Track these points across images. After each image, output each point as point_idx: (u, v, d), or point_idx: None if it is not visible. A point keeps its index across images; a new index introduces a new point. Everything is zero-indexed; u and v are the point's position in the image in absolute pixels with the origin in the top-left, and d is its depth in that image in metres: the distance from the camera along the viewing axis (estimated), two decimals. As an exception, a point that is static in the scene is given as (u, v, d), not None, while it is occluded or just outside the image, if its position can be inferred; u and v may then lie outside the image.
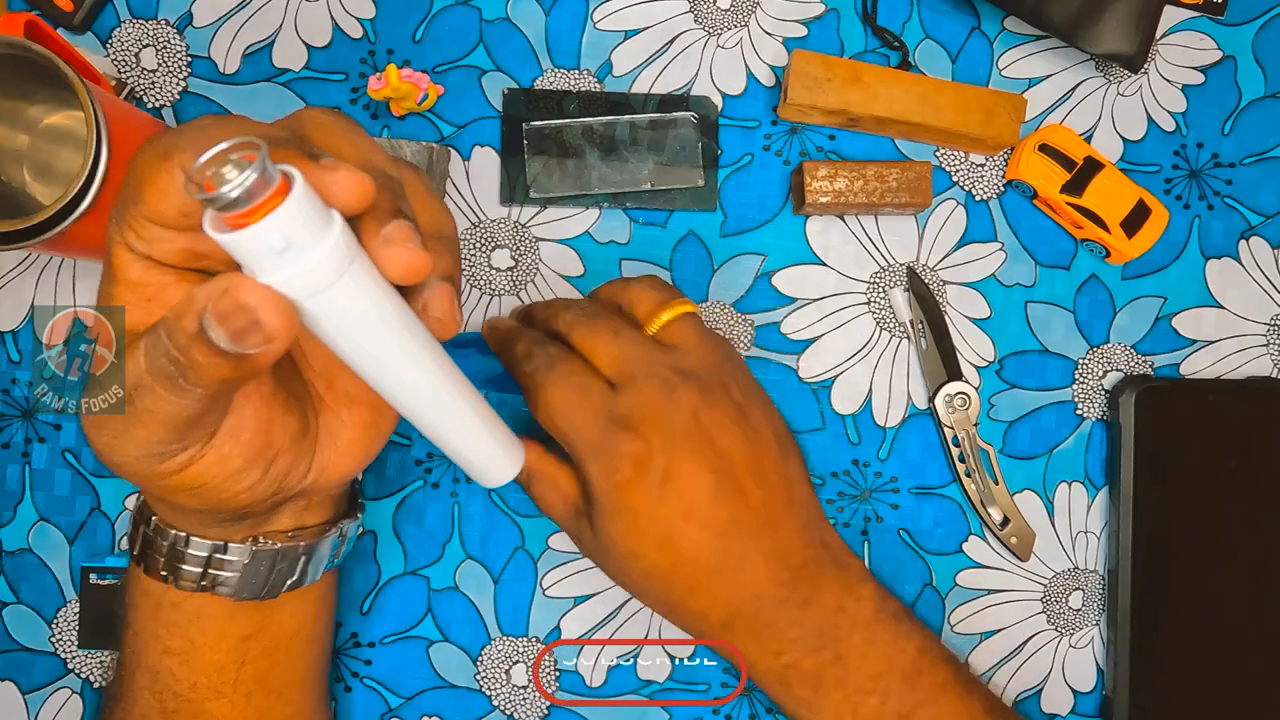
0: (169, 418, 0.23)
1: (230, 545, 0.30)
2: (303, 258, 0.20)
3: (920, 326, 0.46)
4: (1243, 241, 0.49)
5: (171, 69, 0.45)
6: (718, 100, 0.47)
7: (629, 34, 0.47)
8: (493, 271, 0.46)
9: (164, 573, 0.30)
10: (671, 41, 0.47)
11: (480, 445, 0.30)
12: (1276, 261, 0.49)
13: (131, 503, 0.45)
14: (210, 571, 0.30)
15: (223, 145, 0.19)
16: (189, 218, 0.22)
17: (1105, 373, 0.48)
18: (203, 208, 0.20)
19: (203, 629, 0.31)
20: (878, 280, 0.47)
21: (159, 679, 0.32)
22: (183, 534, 0.29)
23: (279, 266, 0.20)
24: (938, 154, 0.47)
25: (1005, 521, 0.46)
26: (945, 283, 0.47)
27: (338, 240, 0.21)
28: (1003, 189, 0.48)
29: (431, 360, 0.26)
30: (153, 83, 0.45)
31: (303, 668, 0.36)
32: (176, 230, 0.23)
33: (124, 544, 0.44)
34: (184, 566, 0.30)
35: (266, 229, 0.19)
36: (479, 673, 0.45)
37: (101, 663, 0.45)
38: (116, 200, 0.24)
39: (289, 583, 0.32)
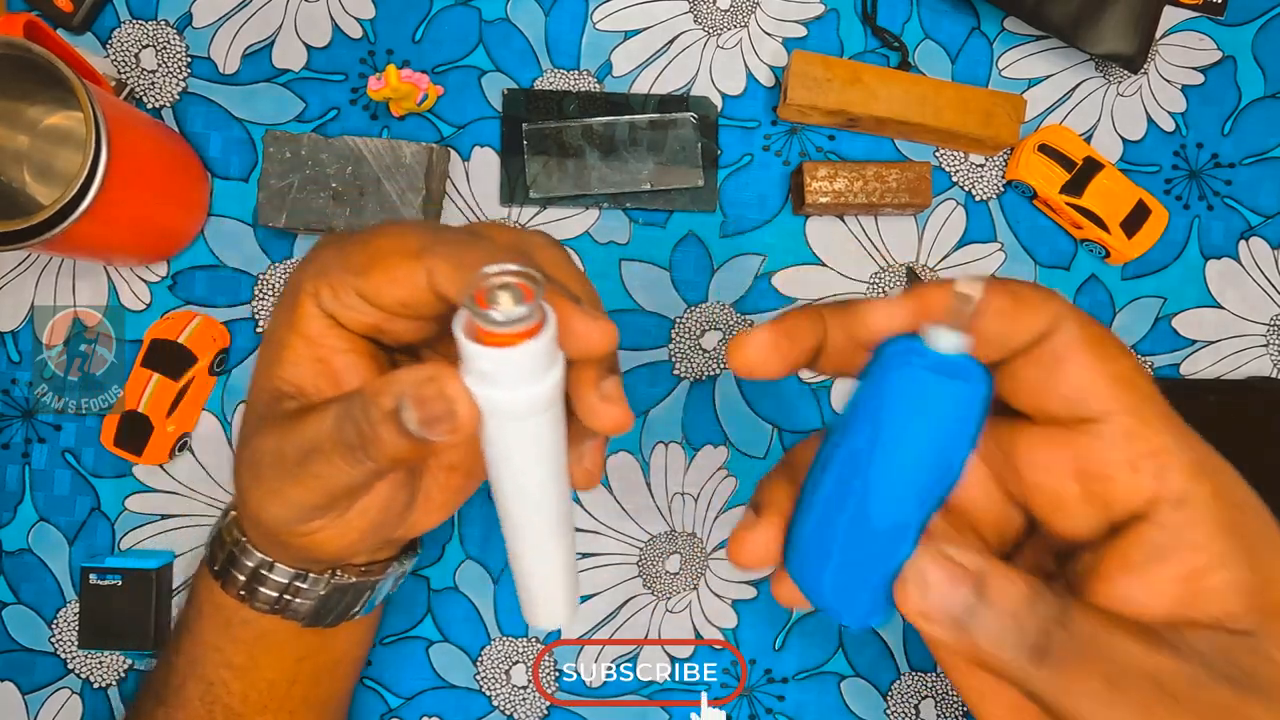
0: (333, 485, 0.24)
1: (310, 575, 0.31)
2: (519, 386, 0.22)
3: (920, 327, 0.46)
4: (1242, 242, 0.49)
5: (171, 69, 0.45)
6: (717, 100, 0.46)
7: (629, 34, 0.47)
8: (492, 272, 0.46)
9: (242, 592, 0.31)
10: (671, 42, 0.47)
11: (554, 589, 0.30)
12: (1276, 261, 0.49)
13: (133, 503, 0.45)
14: (285, 597, 0.31)
15: (511, 267, 0.21)
16: (405, 307, 0.23)
17: (1105, 373, 0.48)
18: (465, 311, 0.22)
19: (266, 648, 0.32)
20: (878, 280, 0.47)
21: (212, 689, 0.33)
22: (268, 559, 0.30)
23: (496, 385, 0.22)
24: (937, 154, 0.47)
25: (1005, 522, 0.46)
26: (945, 283, 0.47)
27: (554, 384, 0.22)
28: (1002, 189, 0.48)
29: (559, 503, 0.27)
30: (152, 83, 0.45)
31: (342, 688, 0.37)
32: (379, 310, 0.24)
33: (121, 544, 0.44)
34: (262, 589, 0.31)
35: (510, 357, 0.21)
36: (479, 673, 0.45)
37: (101, 663, 0.45)
38: (325, 255, 0.25)
39: (351, 613, 0.33)
